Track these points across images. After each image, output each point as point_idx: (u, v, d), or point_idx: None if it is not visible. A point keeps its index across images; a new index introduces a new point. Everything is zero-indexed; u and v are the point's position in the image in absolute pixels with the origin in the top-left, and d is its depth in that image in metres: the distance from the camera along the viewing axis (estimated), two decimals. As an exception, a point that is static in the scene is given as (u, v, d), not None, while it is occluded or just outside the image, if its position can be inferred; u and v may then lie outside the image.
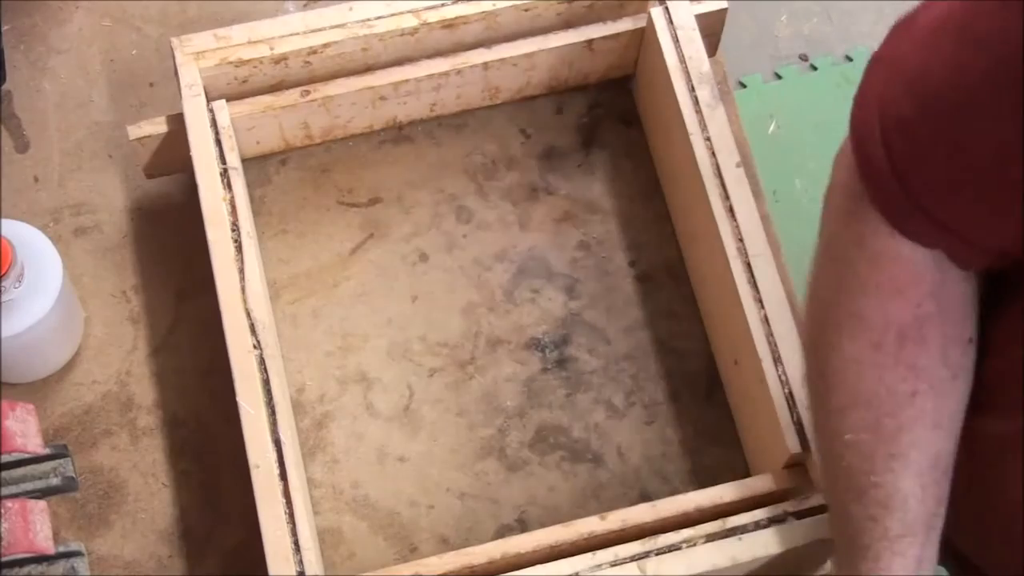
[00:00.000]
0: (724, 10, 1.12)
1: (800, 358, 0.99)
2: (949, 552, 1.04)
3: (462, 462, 1.06)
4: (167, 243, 1.13)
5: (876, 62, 0.75)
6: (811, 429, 0.93)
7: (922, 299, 0.77)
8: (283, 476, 0.96)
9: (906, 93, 0.72)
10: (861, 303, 0.78)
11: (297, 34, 1.08)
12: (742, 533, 0.95)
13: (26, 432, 0.88)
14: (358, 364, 1.09)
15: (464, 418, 1.08)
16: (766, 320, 1.00)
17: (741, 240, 1.02)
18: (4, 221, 1.02)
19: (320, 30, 1.08)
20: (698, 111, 1.06)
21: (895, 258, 0.77)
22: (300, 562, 0.93)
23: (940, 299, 0.78)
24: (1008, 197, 0.68)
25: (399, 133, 1.17)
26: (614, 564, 0.94)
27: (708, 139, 1.06)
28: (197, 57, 1.07)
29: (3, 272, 0.96)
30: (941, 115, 0.70)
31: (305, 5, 1.22)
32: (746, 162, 1.09)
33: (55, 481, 0.89)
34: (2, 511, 0.85)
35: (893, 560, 0.83)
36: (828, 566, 1.04)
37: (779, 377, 0.98)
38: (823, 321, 0.81)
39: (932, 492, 0.82)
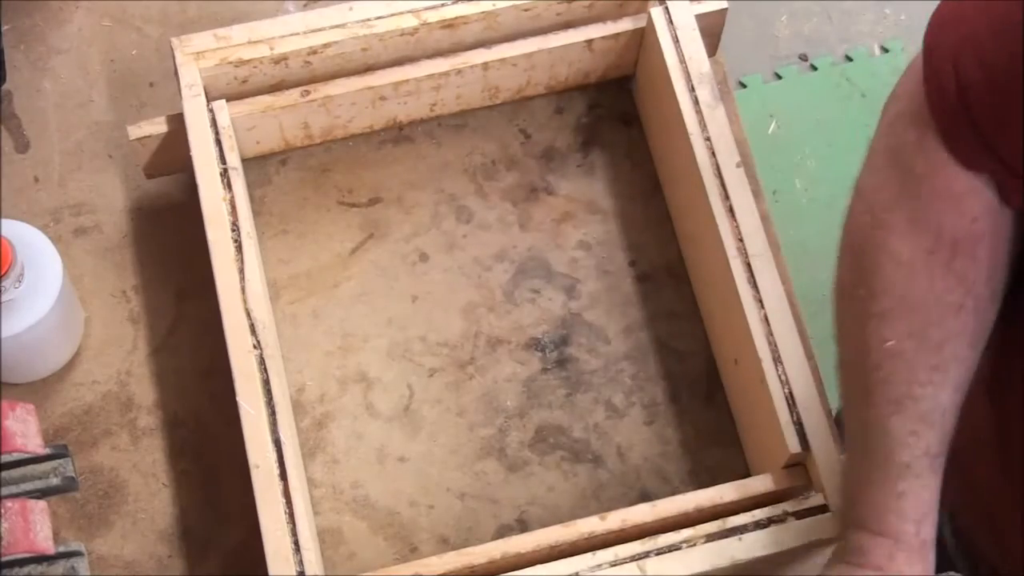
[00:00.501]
0: (724, 10, 1.12)
1: (797, 359, 0.99)
2: (965, 552, 1.05)
3: (462, 462, 1.06)
4: (167, 243, 1.13)
5: None
6: (839, 341, 0.88)
7: (978, 215, 0.78)
8: (283, 476, 0.96)
9: (986, 25, 0.74)
10: (919, 208, 0.79)
11: (297, 34, 1.08)
12: (742, 533, 0.95)
13: (26, 432, 0.88)
14: (358, 364, 1.09)
15: (464, 418, 1.08)
16: (766, 320, 1.00)
17: (741, 240, 1.02)
18: (4, 221, 1.02)
19: (320, 30, 1.08)
20: (698, 111, 1.06)
21: (956, 172, 0.78)
22: (300, 562, 0.93)
23: (992, 222, 0.79)
24: None
25: (399, 133, 1.17)
26: (614, 564, 0.94)
27: (708, 139, 1.06)
28: (197, 57, 1.07)
29: (3, 272, 0.96)
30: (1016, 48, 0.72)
31: (305, 5, 1.22)
32: (746, 162, 1.09)
33: (55, 481, 0.89)
34: (2, 511, 0.85)
35: (932, 479, 0.82)
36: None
37: (779, 377, 0.98)
38: (876, 224, 0.81)
39: (955, 418, 0.82)
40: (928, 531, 0.83)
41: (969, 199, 0.79)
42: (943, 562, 1.15)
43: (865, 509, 0.84)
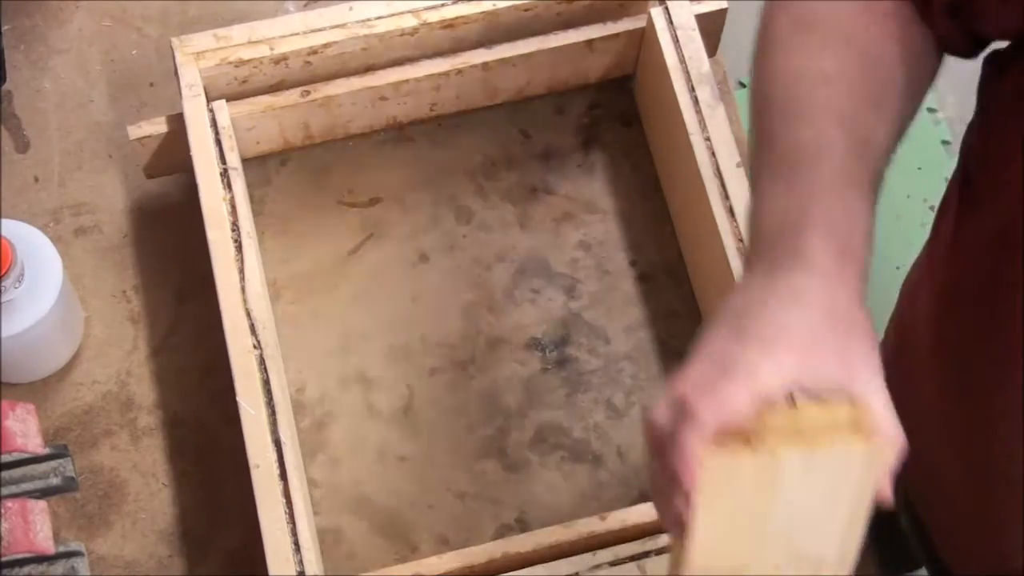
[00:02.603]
0: (724, 10, 1.12)
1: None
2: (922, 540, 1.05)
3: (462, 462, 1.06)
4: (167, 243, 1.13)
5: None
6: (759, 78, 0.80)
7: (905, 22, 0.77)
8: (283, 476, 0.96)
9: None
10: None
11: (297, 34, 1.08)
12: (742, 533, 0.95)
13: (26, 432, 0.88)
14: (358, 364, 1.09)
15: (464, 418, 1.08)
16: (766, 320, 1.00)
17: (741, 240, 1.02)
18: (4, 221, 1.02)
19: (320, 30, 1.09)
20: (698, 111, 1.07)
21: None
22: (300, 562, 0.93)
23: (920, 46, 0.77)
24: None
25: (399, 133, 1.17)
26: (614, 564, 0.94)
27: (708, 139, 1.06)
28: (197, 57, 1.07)
29: (3, 272, 0.96)
30: None
31: (305, 5, 1.22)
32: (746, 162, 1.08)
33: (55, 481, 0.89)
34: (2, 511, 0.85)
35: (872, 203, 0.75)
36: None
37: (779, 377, 0.98)
38: None
39: (884, 173, 0.77)
40: (868, 252, 0.74)
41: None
42: (903, 556, 1.16)
43: (809, 216, 0.73)
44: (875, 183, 0.75)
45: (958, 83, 1.19)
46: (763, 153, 0.77)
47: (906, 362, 0.94)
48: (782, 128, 0.76)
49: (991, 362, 0.83)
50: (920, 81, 0.79)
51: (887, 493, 0.70)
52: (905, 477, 0.83)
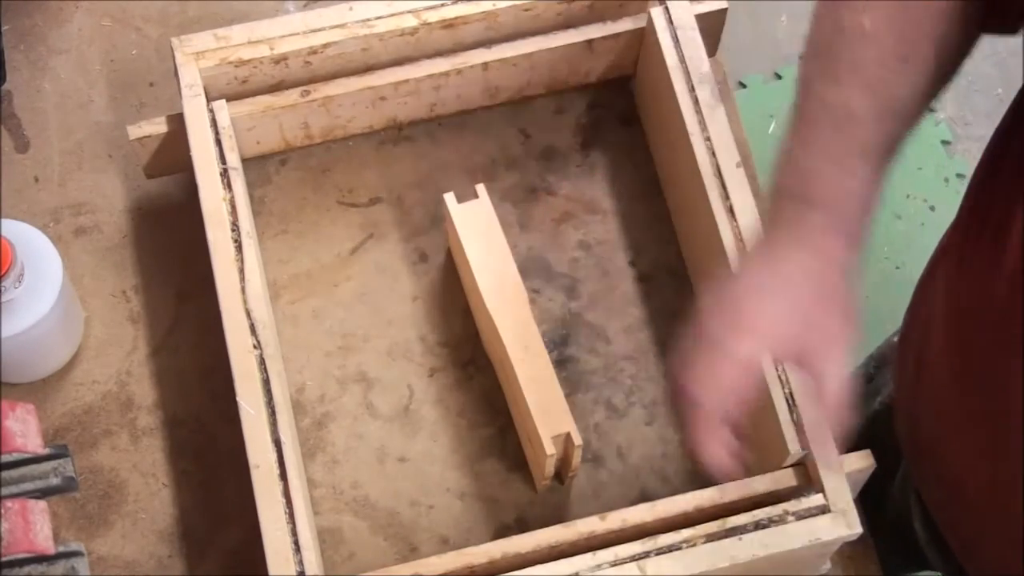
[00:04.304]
0: (724, 10, 1.12)
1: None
2: (935, 542, 1.05)
3: (462, 462, 1.06)
4: (167, 243, 1.13)
5: None
6: (813, 27, 0.86)
7: None
8: (283, 476, 0.96)
9: None
10: None
11: (297, 34, 1.08)
12: (742, 533, 0.95)
13: (26, 432, 0.88)
14: (358, 364, 1.09)
15: (464, 418, 1.08)
16: (766, 320, 1.00)
17: (741, 240, 1.02)
18: (4, 221, 1.02)
19: (320, 30, 1.09)
20: (698, 111, 1.06)
21: None
22: (300, 562, 0.93)
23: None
24: None
25: (399, 133, 1.17)
26: (614, 564, 0.94)
27: (708, 139, 1.06)
28: (197, 57, 1.07)
29: (3, 272, 0.96)
30: None
31: (305, 5, 1.22)
32: (746, 162, 1.09)
33: (55, 481, 0.89)
34: (2, 511, 0.85)
35: (880, 175, 0.83)
36: (828, 566, 1.04)
37: (779, 377, 0.98)
38: None
39: (907, 129, 0.83)
40: (868, 223, 0.83)
41: None
42: (915, 557, 1.16)
43: (815, 182, 0.82)
44: (892, 147, 0.82)
45: (958, 85, 1.19)
46: (797, 99, 0.84)
47: (925, 379, 0.95)
48: (815, 82, 0.83)
49: (1011, 375, 0.83)
50: (957, 45, 0.83)
51: None
52: (928, 495, 0.85)
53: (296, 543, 0.94)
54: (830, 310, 0.81)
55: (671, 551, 0.95)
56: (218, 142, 1.06)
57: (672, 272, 1.13)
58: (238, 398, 0.97)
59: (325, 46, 1.08)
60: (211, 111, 1.07)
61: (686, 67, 1.08)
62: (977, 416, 0.89)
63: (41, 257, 1.02)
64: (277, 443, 0.96)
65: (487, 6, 1.10)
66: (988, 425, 0.88)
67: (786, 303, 0.81)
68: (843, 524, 0.94)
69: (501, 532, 1.04)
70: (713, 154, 1.05)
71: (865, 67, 0.81)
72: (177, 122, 1.08)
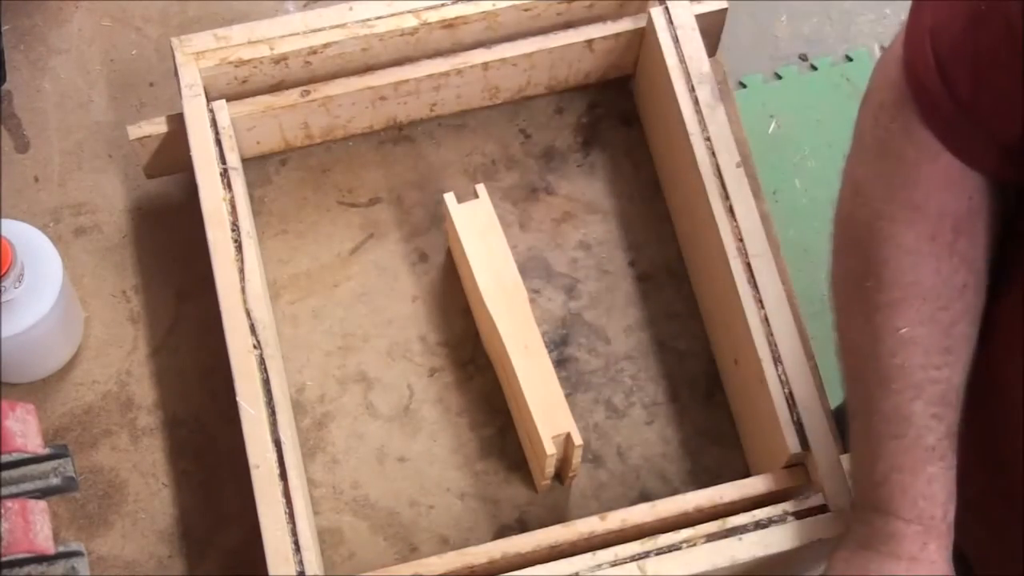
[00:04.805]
0: (724, 10, 1.12)
1: (797, 359, 0.99)
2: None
3: (462, 462, 1.06)
4: (167, 243, 1.13)
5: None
6: (843, 332, 0.88)
7: (972, 192, 0.80)
8: (283, 476, 0.96)
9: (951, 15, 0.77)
10: (917, 194, 0.80)
11: (297, 34, 1.08)
12: (742, 533, 0.95)
13: (26, 432, 0.88)
14: (358, 364, 1.09)
15: (464, 418, 1.08)
16: (766, 320, 1.00)
17: (741, 240, 1.02)
18: (4, 221, 1.02)
19: (320, 30, 1.09)
20: (698, 111, 1.06)
21: (946, 154, 0.79)
22: (300, 562, 0.93)
23: (985, 197, 0.80)
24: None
25: (399, 133, 1.17)
26: (614, 564, 0.94)
27: (708, 139, 1.06)
28: (197, 57, 1.07)
29: (3, 272, 0.96)
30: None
31: (305, 5, 1.22)
32: (746, 162, 1.09)
33: (55, 481, 0.89)
34: (2, 511, 0.85)
35: (953, 460, 0.83)
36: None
37: (779, 377, 0.98)
38: (876, 215, 0.82)
39: (963, 396, 0.84)
40: (952, 514, 0.84)
41: (963, 178, 0.80)
42: None
43: (893, 495, 0.84)
44: (953, 437, 0.83)
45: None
46: (854, 408, 0.86)
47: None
48: (869, 393, 0.84)
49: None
50: (990, 247, 0.83)
51: None
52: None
53: (296, 543, 0.94)
54: None
55: (671, 551, 0.95)
56: (218, 142, 1.06)
57: (672, 272, 1.13)
58: (238, 398, 0.97)
59: (325, 46, 1.08)
60: (211, 111, 1.07)
61: (686, 67, 1.08)
62: (974, 423, 0.89)
63: (41, 257, 1.02)
64: (277, 443, 0.96)
65: (487, 6, 1.10)
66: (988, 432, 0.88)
67: None
68: (843, 524, 0.94)
69: (501, 532, 1.04)
70: (713, 154, 1.05)
71: (912, 371, 0.82)
72: (177, 122, 1.08)
